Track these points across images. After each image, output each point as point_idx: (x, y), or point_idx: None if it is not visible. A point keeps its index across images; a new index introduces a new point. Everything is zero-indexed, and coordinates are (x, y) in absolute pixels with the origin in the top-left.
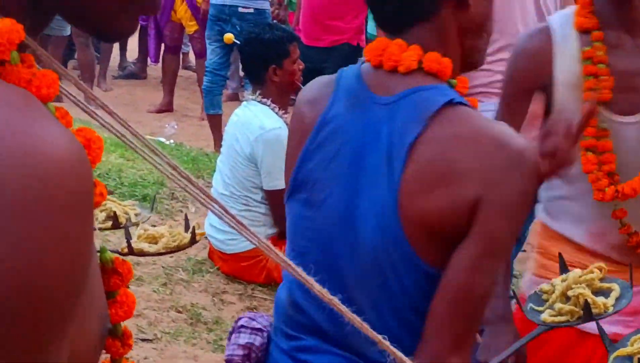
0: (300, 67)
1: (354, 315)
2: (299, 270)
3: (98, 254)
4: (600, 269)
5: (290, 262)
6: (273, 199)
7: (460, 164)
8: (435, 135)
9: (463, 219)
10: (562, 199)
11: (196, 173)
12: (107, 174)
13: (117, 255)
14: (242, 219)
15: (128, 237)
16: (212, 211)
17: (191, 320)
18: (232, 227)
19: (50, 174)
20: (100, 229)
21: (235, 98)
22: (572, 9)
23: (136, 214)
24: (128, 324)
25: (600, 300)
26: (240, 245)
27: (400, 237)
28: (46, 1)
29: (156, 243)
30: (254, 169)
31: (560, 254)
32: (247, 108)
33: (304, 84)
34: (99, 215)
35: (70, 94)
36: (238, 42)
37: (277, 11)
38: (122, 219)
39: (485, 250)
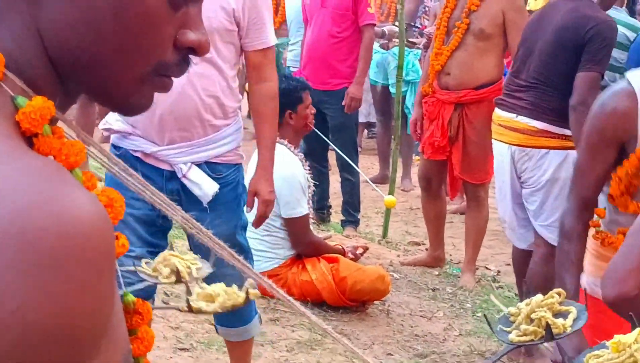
0: (312, 111)
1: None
2: (296, 303)
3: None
4: (559, 294)
5: (281, 291)
6: (290, 225)
7: None
8: None
9: None
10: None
11: None
12: None
13: (138, 297)
14: (264, 242)
15: (188, 295)
16: (202, 242)
17: None
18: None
19: (78, 235)
20: (163, 283)
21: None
22: None
23: (197, 269)
24: (168, 335)
25: (560, 321)
26: (263, 265)
27: None
28: (72, 83)
29: (213, 301)
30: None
31: (518, 284)
32: None
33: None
34: (163, 270)
35: (97, 156)
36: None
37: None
38: (185, 275)
39: None
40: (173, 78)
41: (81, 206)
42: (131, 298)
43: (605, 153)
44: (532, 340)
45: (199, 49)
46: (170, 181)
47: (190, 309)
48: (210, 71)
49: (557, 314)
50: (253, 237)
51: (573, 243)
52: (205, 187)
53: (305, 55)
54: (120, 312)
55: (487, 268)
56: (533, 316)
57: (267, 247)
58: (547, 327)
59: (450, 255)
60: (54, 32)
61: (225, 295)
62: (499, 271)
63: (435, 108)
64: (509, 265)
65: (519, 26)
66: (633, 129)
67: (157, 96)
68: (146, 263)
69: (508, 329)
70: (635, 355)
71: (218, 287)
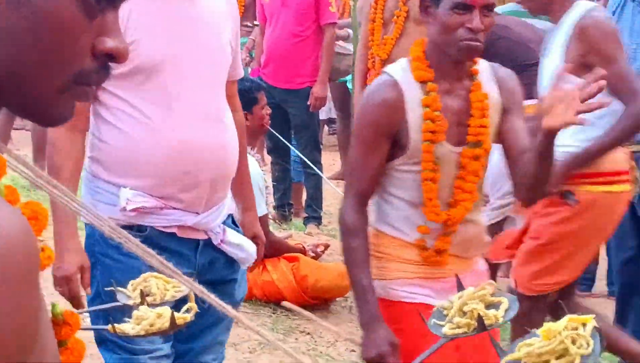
0: (268, 112)
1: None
2: (228, 307)
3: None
4: (491, 285)
5: (212, 296)
6: None
7: None
8: None
9: None
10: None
11: None
12: None
13: (67, 309)
14: None
15: (116, 320)
16: (144, 260)
17: None
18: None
19: (0, 251)
20: (127, 305)
21: None
22: (403, 62)
23: (176, 292)
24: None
25: (492, 312)
26: None
27: None
28: None
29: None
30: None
31: (457, 275)
32: None
33: (271, 125)
34: (137, 291)
35: (23, 171)
36: None
37: (247, 59)
38: (157, 298)
39: None
40: (207, 136)
41: (2, 221)
42: (60, 309)
43: (380, 145)
44: (465, 332)
45: (117, 56)
46: (202, 253)
47: (114, 330)
48: (230, 114)
49: (489, 305)
50: None
51: (359, 239)
52: (247, 246)
53: (266, 54)
54: (48, 324)
55: None
56: (465, 308)
57: None
58: (479, 319)
59: None
60: None
61: (157, 318)
62: None
63: None
64: None
65: None
66: (402, 120)
67: (198, 162)
68: (132, 284)
69: (442, 322)
70: (565, 342)
71: (158, 310)
